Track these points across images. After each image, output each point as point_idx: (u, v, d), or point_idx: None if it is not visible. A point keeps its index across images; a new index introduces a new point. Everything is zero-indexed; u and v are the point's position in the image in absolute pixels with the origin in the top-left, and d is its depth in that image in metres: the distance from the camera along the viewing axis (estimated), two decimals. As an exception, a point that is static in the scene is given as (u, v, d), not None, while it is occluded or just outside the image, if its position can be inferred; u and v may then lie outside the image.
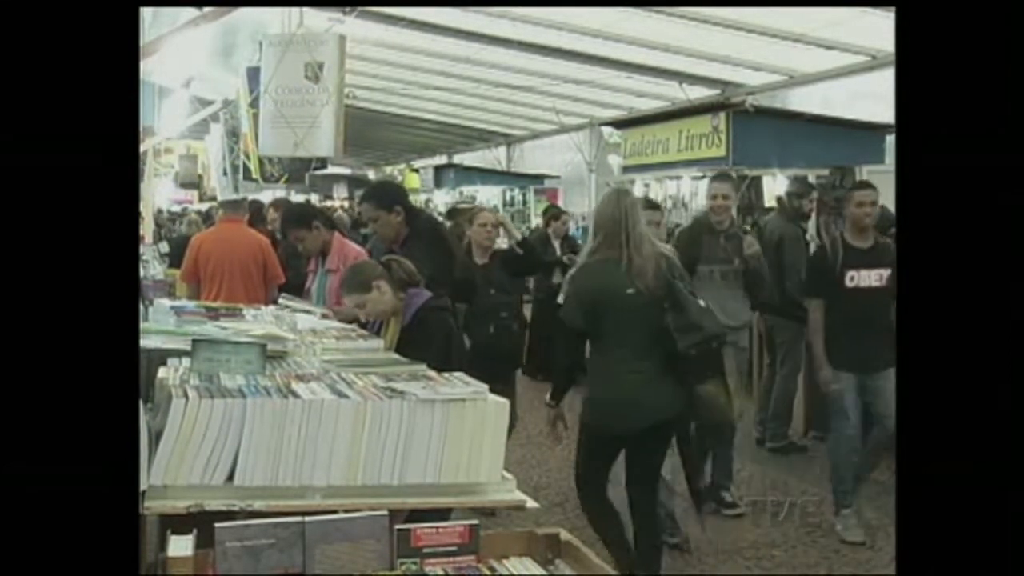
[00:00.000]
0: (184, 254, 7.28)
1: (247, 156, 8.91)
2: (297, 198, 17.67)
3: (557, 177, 18.63)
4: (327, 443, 2.27)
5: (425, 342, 3.78)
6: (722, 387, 4.19)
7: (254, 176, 8.51)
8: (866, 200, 5.46)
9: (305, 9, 6.86)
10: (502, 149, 19.40)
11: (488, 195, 19.95)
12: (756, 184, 12.00)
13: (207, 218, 13.35)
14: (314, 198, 21.38)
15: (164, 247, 12.48)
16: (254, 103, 7.29)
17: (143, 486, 2.12)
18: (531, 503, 2.42)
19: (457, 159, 20.80)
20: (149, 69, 8.63)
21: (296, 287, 6.73)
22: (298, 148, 6.31)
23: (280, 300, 4.71)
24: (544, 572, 2.11)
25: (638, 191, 13.54)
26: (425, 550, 2.02)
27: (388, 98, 15.49)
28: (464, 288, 5.50)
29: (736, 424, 5.51)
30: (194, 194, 21.40)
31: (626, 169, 13.81)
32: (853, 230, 5.54)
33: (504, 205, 19.92)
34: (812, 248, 7.17)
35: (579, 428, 4.37)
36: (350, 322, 4.03)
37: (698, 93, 11.67)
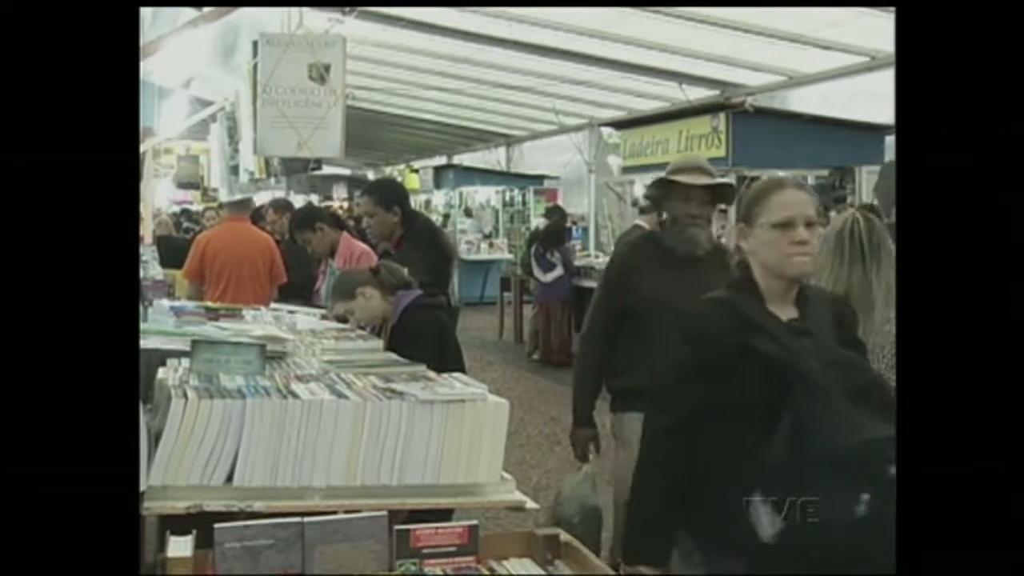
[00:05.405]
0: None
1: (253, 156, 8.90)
2: (297, 199, 17.64)
3: (557, 178, 18.64)
4: (326, 444, 2.26)
5: (414, 339, 3.75)
6: None
7: (258, 176, 8.51)
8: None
9: (305, 9, 6.87)
10: (502, 149, 19.39)
11: (487, 195, 19.97)
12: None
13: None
14: (314, 198, 21.37)
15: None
16: (261, 102, 7.31)
17: (143, 486, 2.12)
18: (530, 503, 2.42)
19: (457, 159, 20.79)
20: (149, 69, 8.64)
21: (299, 288, 6.77)
22: (302, 148, 6.34)
23: (273, 306, 4.72)
24: (544, 573, 2.10)
25: (638, 192, 13.56)
26: (424, 551, 2.01)
27: (388, 98, 15.47)
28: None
29: None
30: (194, 194, 21.37)
31: (626, 170, 13.82)
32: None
33: (504, 206, 19.95)
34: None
35: None
36: (343, 321, 4.03)
37: (698, 94, 11.66)
